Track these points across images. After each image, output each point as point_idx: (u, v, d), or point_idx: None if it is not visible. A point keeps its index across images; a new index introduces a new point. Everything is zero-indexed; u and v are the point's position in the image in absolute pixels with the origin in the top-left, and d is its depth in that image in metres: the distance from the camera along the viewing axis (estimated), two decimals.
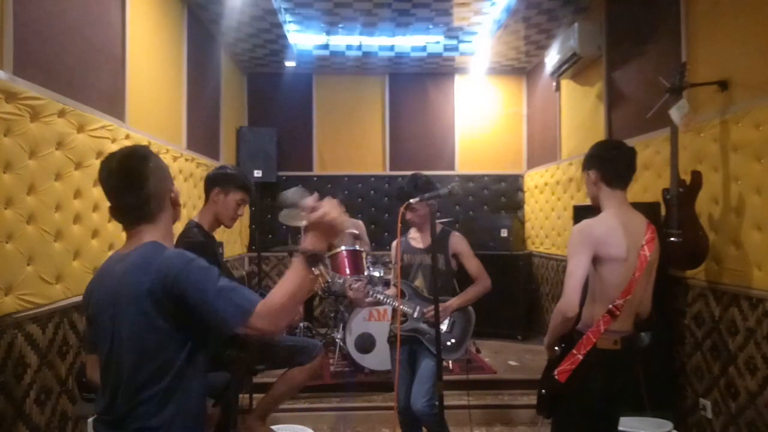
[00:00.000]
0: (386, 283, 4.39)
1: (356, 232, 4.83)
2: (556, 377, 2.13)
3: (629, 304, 2.13)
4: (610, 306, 2.10)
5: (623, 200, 2.22)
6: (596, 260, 2.13)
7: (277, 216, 6.38)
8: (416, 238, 3.09)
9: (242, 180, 2.74)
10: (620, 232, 2.12)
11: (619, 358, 2.14)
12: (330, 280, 3.10)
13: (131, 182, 1.52)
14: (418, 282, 3.05)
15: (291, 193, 1.61)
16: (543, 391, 2.25)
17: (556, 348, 2.25)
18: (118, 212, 1.57)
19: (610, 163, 2.22)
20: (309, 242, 1.50)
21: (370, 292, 2.99)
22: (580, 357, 2.10)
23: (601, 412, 2.21)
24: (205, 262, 1.49)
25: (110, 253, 3.04)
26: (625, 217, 2.18)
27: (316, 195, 1.57)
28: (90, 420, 1.56)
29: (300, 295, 1.50)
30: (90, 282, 1.61)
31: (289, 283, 1.47)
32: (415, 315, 2.95)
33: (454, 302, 2.94)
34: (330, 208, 1.50)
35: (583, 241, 2.11)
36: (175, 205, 1.63)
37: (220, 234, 3.50)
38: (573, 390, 2.13)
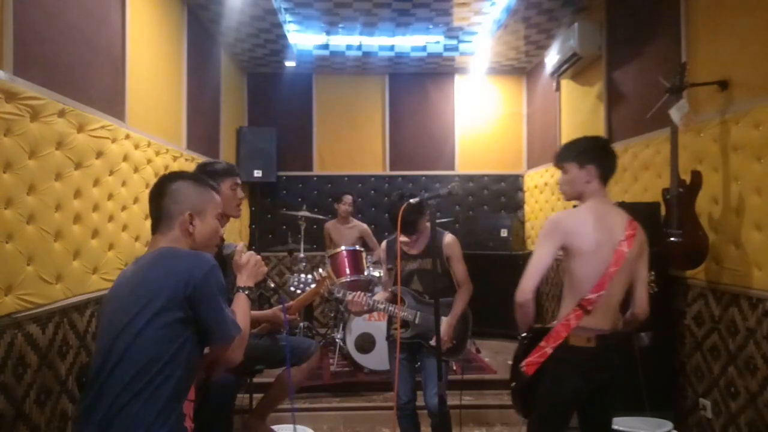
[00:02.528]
0: None
1: (360, 249, 4.85)
2: (523, 369, 2.11)
3: (603, 301, 2.09)
4: (581, 300, 2.09)
5: (605, 195, 2.25)
6: (565, 252, 2.14)
7: (276, 215, 6.41)
8: (407, 243, 3.06)
9: (224, 166, 2.70)
10: (590, 225, 2.12)
11: (594, 357, 2.11)
12: (333, 289, 3.10)
13: (152, 195, 1.82)
14: (416, 287, 3.05)
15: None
16: (513, 383, 2.25)
17: (523, 338, 2.25)
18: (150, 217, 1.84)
19: (608, 160, 2.25)
20: (241, 280, 1.93)
21: (371, 304, 2.96)
22: (549, 350, 2.08)
23: (578, 411, 2.20)
24: (220, 273, 1.69)
25: (110, 253, 3.07)
26: (603, 211, 2.18)
27: (242, 245, 2.05)
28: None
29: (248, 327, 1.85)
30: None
31: (246, 316, 1.81)
32: (417, 321, 2.95)
33: (451, 321, 2.95)
34: (252, 256, 1.98)
35: (552, 231, 2.15)
36: (185, 233, 1.77)
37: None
38: (546, 388, 2.12)
